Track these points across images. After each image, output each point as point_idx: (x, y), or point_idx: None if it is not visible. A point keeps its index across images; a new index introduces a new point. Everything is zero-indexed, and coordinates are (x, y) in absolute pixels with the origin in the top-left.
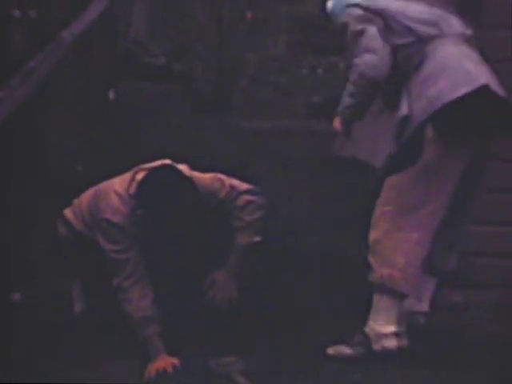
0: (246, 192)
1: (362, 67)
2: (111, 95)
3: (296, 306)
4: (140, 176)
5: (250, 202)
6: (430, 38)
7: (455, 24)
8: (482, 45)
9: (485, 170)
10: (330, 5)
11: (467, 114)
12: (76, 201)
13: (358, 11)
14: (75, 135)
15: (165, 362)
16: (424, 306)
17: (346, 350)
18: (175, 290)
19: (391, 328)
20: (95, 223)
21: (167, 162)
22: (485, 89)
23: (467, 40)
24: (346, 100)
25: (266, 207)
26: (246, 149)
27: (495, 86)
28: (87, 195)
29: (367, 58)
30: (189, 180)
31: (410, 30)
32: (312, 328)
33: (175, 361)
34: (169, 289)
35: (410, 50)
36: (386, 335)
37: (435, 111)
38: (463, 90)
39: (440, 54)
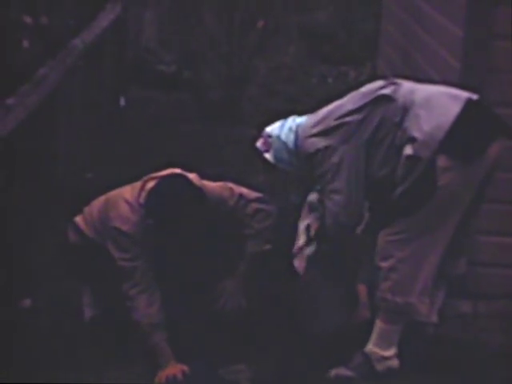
0: (255, 200)
1: (334, 210)
2: (122, 103)
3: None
4: (150, 185)
5: (259, 211)
6: (386, 98)
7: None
8: None
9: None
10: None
11: (467, 132)
12: (87, 208)
13: (321, 137)
14: (85, 142)
15: (175, 368)
16: (434, 318)
17: (346, 372)
18: (185, 298)
19: (393, 350)
20: (105, 231)
21: (177, 171)
22: (470, 103)
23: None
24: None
25: (276, 215)
26: (255, 157)
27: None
28: (97, 203)
29: (337, 199)
30: (198, 189)
31: (370, 106)
32: (319, 337)
33: (185, 368)
34: (178, 297)
35: (380, 120)
36: (389, 357)
37: (443, 138)
38: (456, 109)
39: (410, 97)
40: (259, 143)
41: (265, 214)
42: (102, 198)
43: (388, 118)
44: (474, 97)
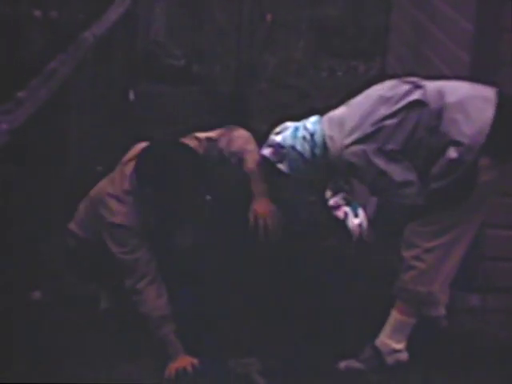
0: (223, 135)
1: (407, 201)
2: (131, 96)
3: (314, 308)
4: (128, 169)
5: (232, 140)
6: (419, 103)
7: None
8: None
9: None
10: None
11: (502, 132)
12: (76, 214)
13: (359, 145)
14: (95, 136)
15: (184, 361)
16: (441, 310)
17: (356, 364)
18: (195, 289)
19: (404, 343)
20: (100, 229)
21: (143, 144)
22: (501, 104)
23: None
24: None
25: (251, 136)
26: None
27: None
28: (83, 206)
29: (407, 191)
30: (183, 144)
31: (403, 113)
32: (329, 329)
33: (195, 360)
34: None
35: (415, 124)
36: (400, 350)
37: (484, 141)
38: (491, 112)
39: (441, 100)
40: (269, 153)
41: (240, 140)
42: (85, 201)
43: (422, 122)
44: (498, 94)
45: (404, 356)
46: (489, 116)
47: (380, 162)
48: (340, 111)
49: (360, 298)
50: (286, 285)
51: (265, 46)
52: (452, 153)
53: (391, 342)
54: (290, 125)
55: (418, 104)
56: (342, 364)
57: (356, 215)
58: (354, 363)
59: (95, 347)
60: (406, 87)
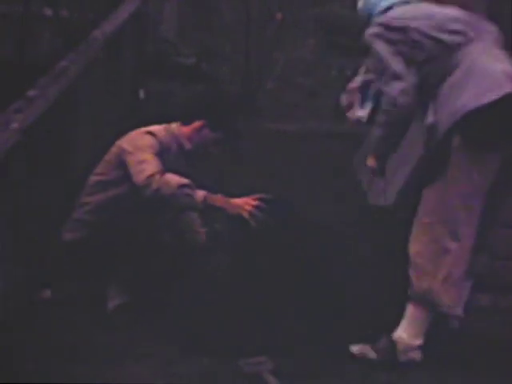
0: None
1: (393, 94)
2: (141, 95)
3: (324, 307)
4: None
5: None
6: (456, 47)
7: (483, 26)
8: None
9: None
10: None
11: (494, 121)
12: (88, 202)
13: (380, 29)
14: (105, 134)
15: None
16: (459, 311)
17: (370, 353)
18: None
19: (419, 341)
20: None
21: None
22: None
23: (495, 40)
24: (378, 131)
25: None
26: (271, 150)
27: None
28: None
29: (396, 85)
30: None
31: (434, 42)
32: (340, 329)
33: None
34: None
35: (435, 62)
36: (413, 347)
37: (458, 120)
38: (487, 99)
39: (466, 63)
40: None
41: None
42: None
43: (441, 65)
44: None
45: (417, 355)
46: (486, 99)
47: (385, 49)
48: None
49: (374, 296)
50: (296, 283)
51: (274, 45)
52: (430, 117)
53: (406, 336)
54: None
55: (451, 52)
56: (356, 348)
57: (363, 106)
58: (367, 350)
59: (102, 346)
60: (459, 29)
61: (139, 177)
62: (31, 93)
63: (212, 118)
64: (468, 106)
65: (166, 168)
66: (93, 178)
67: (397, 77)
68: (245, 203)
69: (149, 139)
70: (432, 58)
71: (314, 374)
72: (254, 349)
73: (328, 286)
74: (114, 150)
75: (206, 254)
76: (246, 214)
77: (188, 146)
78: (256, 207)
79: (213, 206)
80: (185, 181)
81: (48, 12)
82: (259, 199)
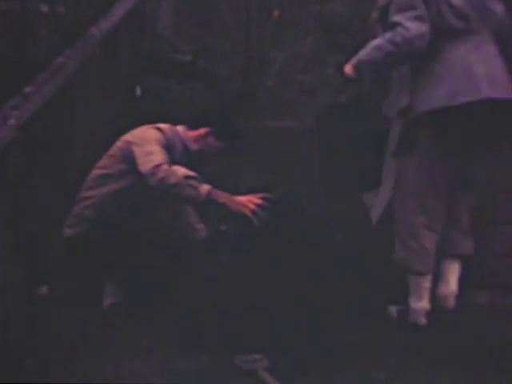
0: None
1: (412, 33)
2: (138, 92)
3: (321, 305)
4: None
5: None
6: (454, 34)
7: (489, 18)
8: None
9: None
10: None
11: (466, 120)
12: (91, 198)
13: None
14: (101, 131)
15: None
16: (452, 286)
17: (393, 312)
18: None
19: (421, 304)
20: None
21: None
22: (488, 100)
23: (494, 31)
24: (375, 54)
25: None
26: (271, 147)
27: (503, 92)
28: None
29: (418, 26)
30: None
31: (442, 20)
32: (337, 326)
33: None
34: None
35: (433, 38)
36: (416, 310)
37: (427, 111)
38: (461, 100)
39: (455, 56)
40: None
41: None
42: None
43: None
44: (502, 94)
45: (420, 319)
46: (457, 101)
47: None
48: None
49: (373, 296)
50: (295, 281)
51: (272, 43)
52: (404, 99)
53: (411, 300)
54: None
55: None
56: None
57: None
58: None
59: (103, 344)
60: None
61: (146, 166)
62: (28, 89)
63: (218, 127)
64: (441, 102)
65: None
66: (95, 172)
67: (420, 18)
68: (248, 201)
69: (156, 133)
70: (431, 34)
71: (311, 372)
72: (252, 346)
73: (327, 283)
74: (118, 144)
75: (206, 252)
76: (248, 212)
77: (194, 147)
78: (259, 206)
79: (216, 201)
80: (192, 173)
81: (44, 9)
82: (263, 198)
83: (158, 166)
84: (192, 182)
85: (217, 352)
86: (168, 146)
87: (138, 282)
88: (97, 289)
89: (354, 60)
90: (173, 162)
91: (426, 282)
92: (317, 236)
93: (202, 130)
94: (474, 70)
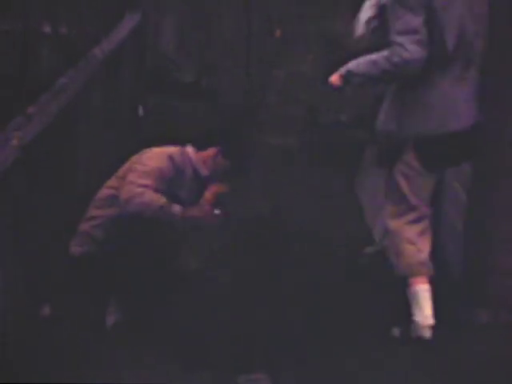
0: None
1: (412, 56)
2: (140, 111)
3: (322, 325)
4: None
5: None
6: (444, 62)
7: (474, 48)
8: None
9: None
10: None
11: (449, 147)
12: (97, 217)
13: None
14: (105, 151)
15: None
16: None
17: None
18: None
19: (424, 314)
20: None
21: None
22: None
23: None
24: (370, 68)
25: None
26: (272, 164)
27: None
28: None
29: (418, 50)
30: None
31: (436, 47)
32: (338, 345)
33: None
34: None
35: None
36: (420, 323)
37: (416, 135)
38: (448, 128)
39: (446, 84)
40: None
41: None
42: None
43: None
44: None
45: (426, 332)
46: (445, 128)
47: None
48: None
49: (375, 312)
50: (297, 298)
51: (273, 60)
52: (391, 125)
53: (414, 315)
54: None
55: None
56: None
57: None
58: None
59: (106, 362)
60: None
61: (124, 194)
62: (31, 109)
63: (227, 145)
64: (430, 128)
65: (178, 192)
66: (103, 191)
67: (419, 43)
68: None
69: (163, 162)
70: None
71: None
72: (254, 365)
73: (333, 301)
74: (127, 165)
75: (205, 272)
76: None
77: (205, 172)
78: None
79: (191, 218)
80: (162, 200)
81: (47, 29)
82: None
83: (133, 196)
84: (162, 202)
85: (220, 370)
86: (175, 174)
87: (140, 302)
88: (101, 307)
89: (343, 70)
90: (182, 187)
91: (426, 292)
92: (319, 253)
93: (211, 151)
94: (457, 100)
